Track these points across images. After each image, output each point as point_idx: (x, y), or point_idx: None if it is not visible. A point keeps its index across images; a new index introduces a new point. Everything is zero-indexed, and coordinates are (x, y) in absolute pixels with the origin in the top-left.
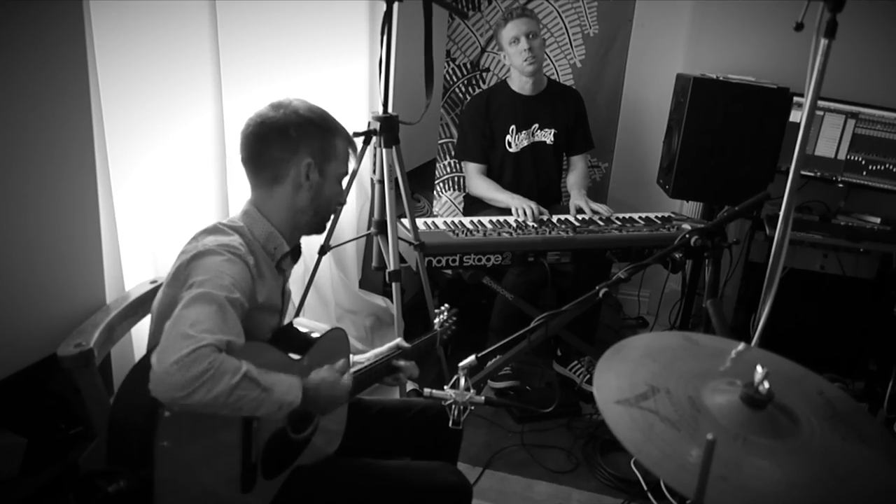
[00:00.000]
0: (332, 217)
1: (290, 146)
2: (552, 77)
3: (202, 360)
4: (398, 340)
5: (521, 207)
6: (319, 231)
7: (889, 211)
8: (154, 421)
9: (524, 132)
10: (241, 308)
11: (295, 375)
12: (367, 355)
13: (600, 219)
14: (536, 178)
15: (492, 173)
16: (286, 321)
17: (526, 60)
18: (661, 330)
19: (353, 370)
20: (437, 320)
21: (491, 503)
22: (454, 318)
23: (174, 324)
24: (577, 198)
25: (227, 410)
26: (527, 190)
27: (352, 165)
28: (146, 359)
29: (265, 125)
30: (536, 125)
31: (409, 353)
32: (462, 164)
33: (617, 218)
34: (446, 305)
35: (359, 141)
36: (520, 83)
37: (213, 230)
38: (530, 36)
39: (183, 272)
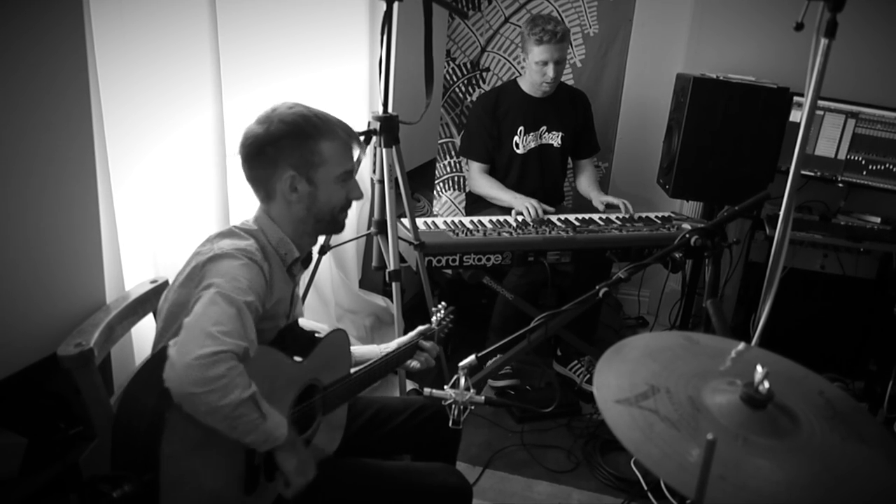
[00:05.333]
0: (347, 213)
1: (269, 163)
2: None
3: (222, 364)
4: (425, 326)
5: (524, 206)
6: (335, 231)
7: (889, 210)
8: (160, 424)
9: (532, 134)
10: (256, 312)
11: (283, 416)
12: (391, 345)
13: (601, 219)
14: (542, 179)
15: (497, 173)
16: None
17: (546, 83)
18: (661, 330)
19: (372, 362)
20: (434, 318)
21: (491, 503)
22: (451, 317)
23: (196, 320)
24: (599, 196)
25: (224, 424)
26: (531, 191)
27: (357, 156)
28: (150, 363)
29: (247, 145)
30: (544, 127)
31: (430, 335)
32: (465, 161)
33: (617, 218)
34: (443, 304)
35: None
36: (531, 86)
37: (229, 234)
38: (558, 62)
39: (198, 273)
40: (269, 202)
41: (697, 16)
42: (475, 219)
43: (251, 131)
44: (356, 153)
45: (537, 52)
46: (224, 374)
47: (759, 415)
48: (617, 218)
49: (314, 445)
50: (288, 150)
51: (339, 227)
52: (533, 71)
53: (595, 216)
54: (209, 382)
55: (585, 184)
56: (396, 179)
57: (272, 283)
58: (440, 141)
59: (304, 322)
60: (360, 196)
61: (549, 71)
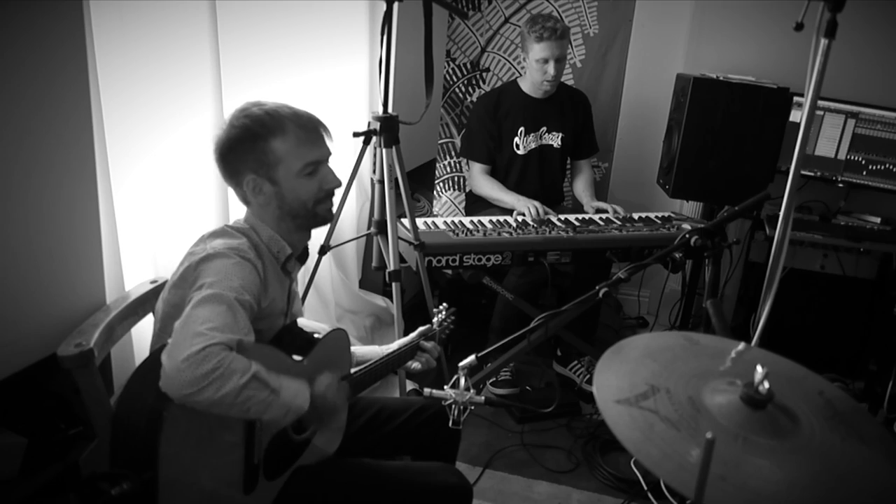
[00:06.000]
0: (331, 202)
1: (232, 170)
2: None
3: (212, 358)
4: (425, 327)
5: (526, 207)
6: (320, 223)
7: (889, 211)
8: (158, 423)
9: (532, 135)
10: (251, 310)
11: (303, 380)
12: (392, 346)
13: (601, 219)
14: (541, 180)
15: (497, 174)
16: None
17: (547, 81)
18: (661, 330)
19: (373, 362)
20: (435, 319)
21: (491, 503)
22: (452, 318)
23: (185, 322)
24: (591, 202)
25: (235, 410)
26: (531, 191)
27: (330, 145)
28: (148, 362)
29: (214, 152)
30: (545, 128)
31: (431, 336)
32: (466, 162)
33: (617, 218)
34: (444, 305)
35: (359, 141)
36: (531, 87)
37: (221, 233)
38: (559, 60)
39: (192, 274)
40: (247, 204)
41: (697, 16)
42: (475, 219)
43: (215, 138)
44: (326, 141)
45: (538, 50)
46: (216, 366)
47: (759, 415)
48: (617, 218)
49: (314, 445)
50: (243, 155)
51: (320, 219)
52: (534, 70)
53: (595, 216)
54: (202, 380)
55: (581, 187)
56: (396, 179)
57: (266, 281)
58: (440, 141)
59: (303, 322)
60: (335, 184)
61: (550, 69)
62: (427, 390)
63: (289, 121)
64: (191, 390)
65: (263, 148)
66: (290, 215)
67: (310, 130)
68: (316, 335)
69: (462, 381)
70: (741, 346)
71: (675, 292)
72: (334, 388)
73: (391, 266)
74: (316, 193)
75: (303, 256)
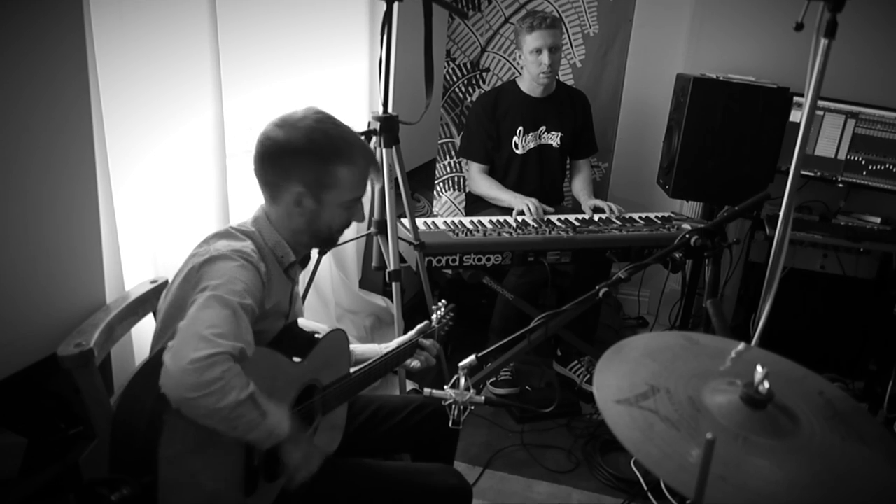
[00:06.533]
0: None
1: (282, 172)
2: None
3: (217, 367)
4: (424, 324)
5: (524, 204)
6: (326, 247)
7: (889, 211)
8: (158, 427)
9: (531, 134)
10: (252, 314)
11: (284, 408)
12: (392, 344)
13: (601, 219)
14: (541, 179)
15: (496, 173)
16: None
17: (543, 73)
18: (661, 330)
19: (372, 361)
20: (434, 316)
21: (491, 503)
22: (452, 315)
23: (190, 324)
24: (589, 200)
25: (224, 425)
26: (530, 191)
27: (377, 185)
28: (149, 364)
29: (264, 146)
30: (543, 128)
31: (430, 333)
32: (465, 161)
33: (617, 218)
34: (443, 301)
35: None
36: (530, 85)
37: (226, 234)
38: (553, 49)
39: (195, 275)
40: (272, 205)
41: (697, 16)
42: (475, 219)
43: (271, 134)
44: (374, 178)
45: (530, 41)
46: (220, 376)
47: (759, 415)
48: (617, 218)
49: (314, 445)
50: (305, 167)
51: (331, 243)
52: (529, 63)
53: (595, 216)
54: (205, 386)
55: (579, 185)
56: (396, 179)
57: (269, 284)
58: (440, 141)
59: (303, 322)
60: (362, 219)
61: (545, 58)
62: (427, 390)
63: (360, 154)
64: (193, 394)
65: (330, 170)
66: (310, 233)
67: (372, 168)
68: (316, 335)
69: (462, 380)
70: (741, 346)
71: (675, 292)
72: (307, 450)
73: (391, 266)
74: (343, 223)
75: (304, 261)
